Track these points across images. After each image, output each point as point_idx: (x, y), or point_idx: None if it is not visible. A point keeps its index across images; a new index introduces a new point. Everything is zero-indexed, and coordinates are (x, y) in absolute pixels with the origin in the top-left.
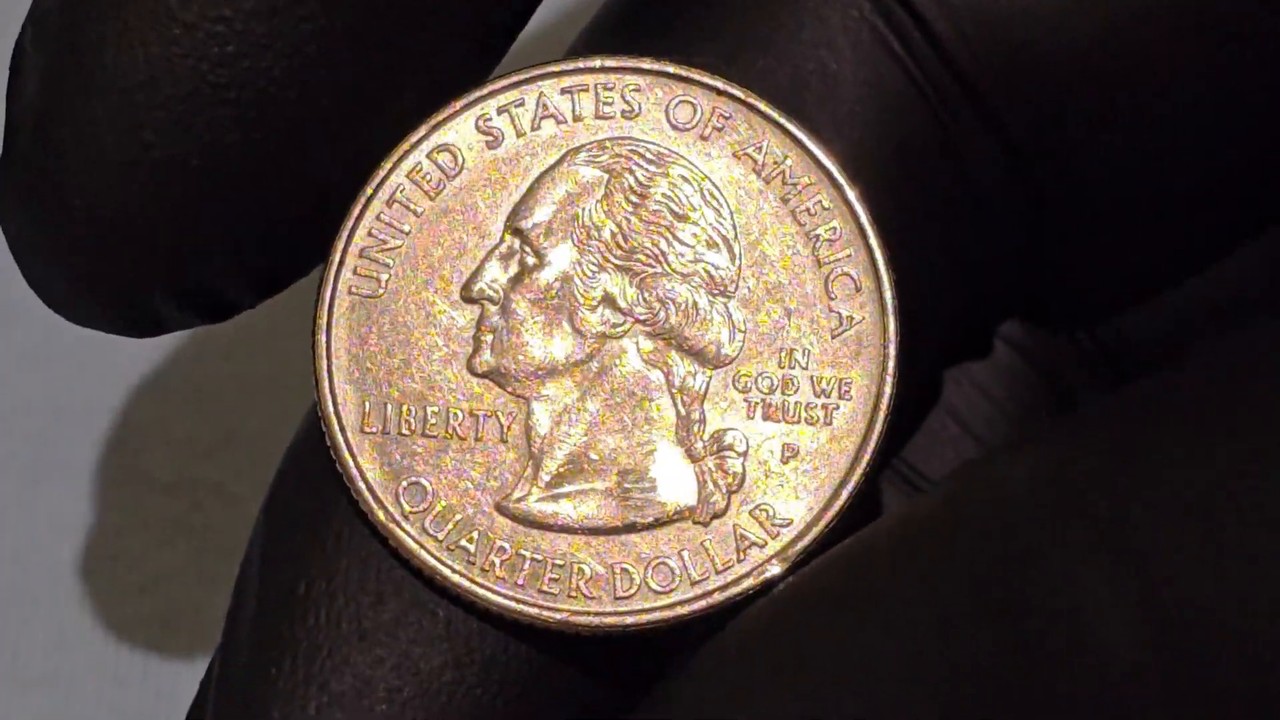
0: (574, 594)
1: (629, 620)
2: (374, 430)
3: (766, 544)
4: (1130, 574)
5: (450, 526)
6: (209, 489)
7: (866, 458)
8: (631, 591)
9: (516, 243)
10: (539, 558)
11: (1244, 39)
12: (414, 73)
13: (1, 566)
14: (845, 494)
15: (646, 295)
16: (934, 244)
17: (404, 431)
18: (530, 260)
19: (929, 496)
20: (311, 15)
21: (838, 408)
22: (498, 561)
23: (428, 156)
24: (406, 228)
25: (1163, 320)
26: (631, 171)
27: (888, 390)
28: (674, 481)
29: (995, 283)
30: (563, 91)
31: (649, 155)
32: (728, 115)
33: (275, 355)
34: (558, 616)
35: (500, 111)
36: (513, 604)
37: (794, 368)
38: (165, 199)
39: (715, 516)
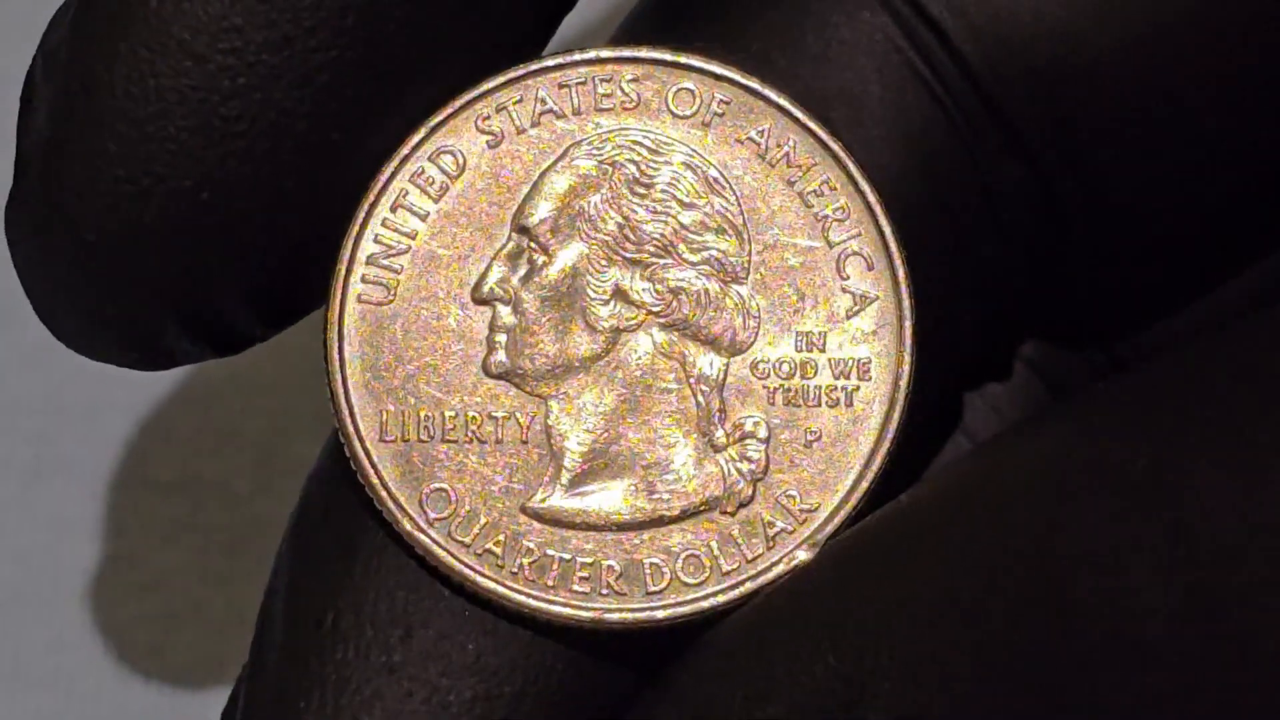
0: (604, 591)
1: (660, 615)
2: (393, 439)
3: (795, 530)
4: (1163, 523)
5: (476, 530)
6: (210, 489)
7: (889, 438)
8: (662, 586)
9: (524, 241)
10: (567, 557)
11: (1266, 51)
12: (426, 101)
13: (2, 566)
14: (870, 476)
15: (657, 286)
16: (959, 263)
17: (423, 438)
18: (539, 258)
19: (957, 467)
20: (323, 46)
21: (858, 389)
22: (526, 563)
23: (430, 159)
24: (413, 232)
25: (1178, 335)
26: (634, 163)
27: (907, 367)
28: (698, 472)
29: (1017, 301)
30: (560, 86)
31: (651, 145)
32: (728, 100)
33: (277, 355)
34: (589, 615)
35: (499, 110)
36: (544, 605)
37: (811, 350)
38: (176, 232)
39: (742, 505)
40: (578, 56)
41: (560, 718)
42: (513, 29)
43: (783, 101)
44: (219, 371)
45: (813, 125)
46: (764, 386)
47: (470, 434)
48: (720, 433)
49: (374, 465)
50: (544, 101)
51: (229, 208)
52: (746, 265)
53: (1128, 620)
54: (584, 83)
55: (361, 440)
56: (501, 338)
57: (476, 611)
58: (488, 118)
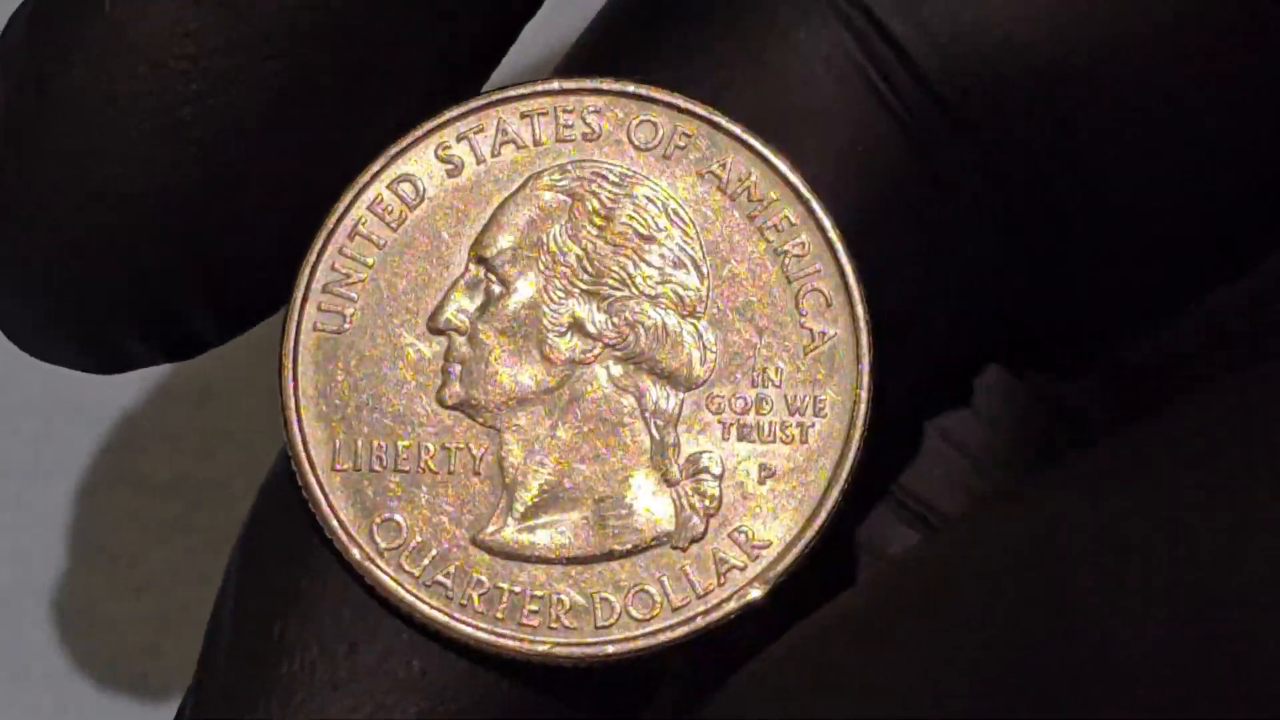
0: (554, 625)
1: (610, 649)
2: (345, 467)
3: (746, 567)
4: (1168, 610)
5: (426, 562)
6: (207, 489)
7: (844, 475)
8: (612, 620)
9: (481, 271)
10: (517, 590)
11: (1265, 51)
12: (384, 108)
13: (1, 566)
14: (824, 513)
15: (615, 319)
16: (922, 284)
17: (375, 468)
18: (496, 289)
19: (957, 526)
20: (279, 52)
21: (813, 425)
22: (475, 595)
23: (388, 187)
24: (370, 260)
25: (1178, 339)
26: (595, 194)
27: (863, 406)
28: (651, 507)
29: (981, 315)
30: (522, 116)
31: (612, 177)
32: (689, 133)
33: (270, 356)
34: (539, 649)
35: (459, 139)
36: (493, 638)
37: (767, 386)
38: (129, 235)
39: (694, 541)
40: (540, 87)
41: None
42: (473, 39)
43: (746, 136)
44: (215, 373)
45: (775, 160)
46: (719, 421)
47: (423, 465)
48: (674, 467)
49: (325, 493)
50: (505, 131)
51: (185, 211)
52: (705, 300)
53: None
54: (546, 113)
55: (313, 468)
56: (456, 368)
57: None
58: (448, 146)
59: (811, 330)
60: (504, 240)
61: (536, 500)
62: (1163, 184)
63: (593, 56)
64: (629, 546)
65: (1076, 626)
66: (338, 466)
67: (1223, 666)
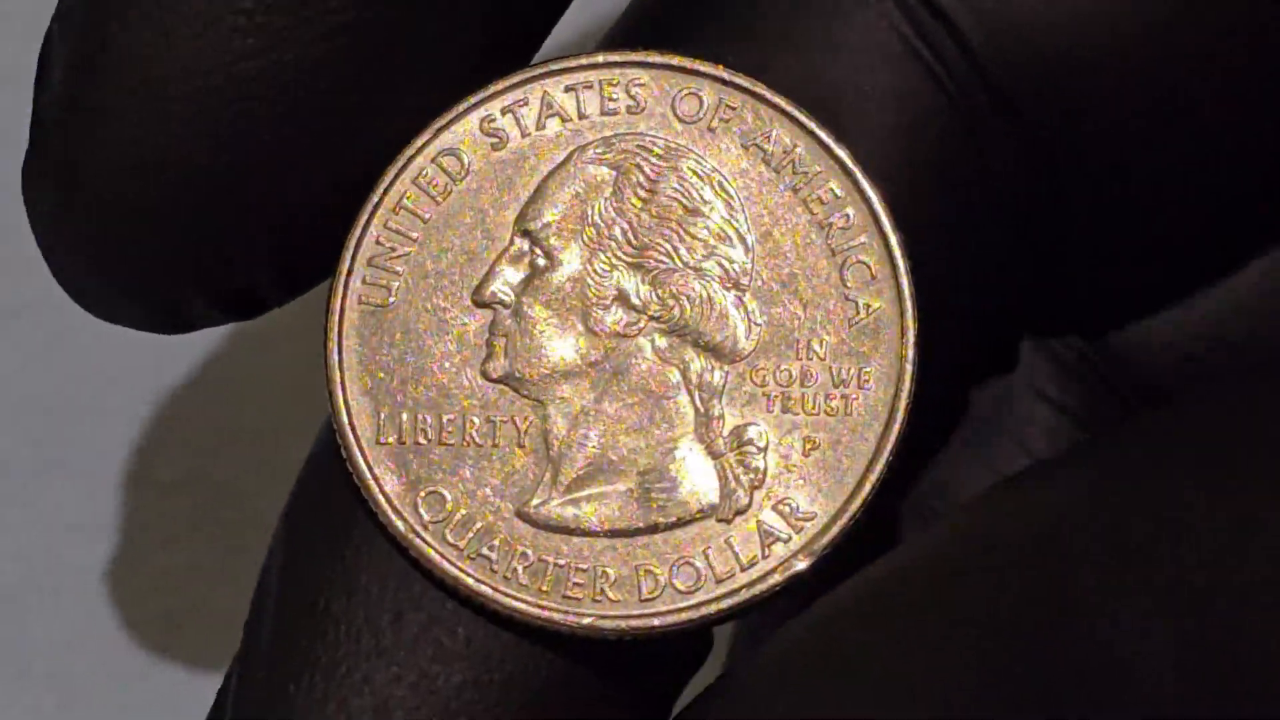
0: (598, 598)
1: (655, 622)
2: (390, 441)
3: (791, 539)
4: (1169, 607)
5: (471, 535)
6: (213, 488)
7: (889, 447)
8: (656, 593)
9: (526, 245)
10: (562, 563)
11: (1274, 48)
12: (443, 66)
13: (3, 566)
14: (869, 485)
15: (660, 292)
16: (963, 252)
17: (420, 441)
18: (541, 262)
19: (963, 517)
20: (339, 8)
21: (857, 398)
22: (520, 568)
23: (433, 161)
24: (414, 234)
25: (1159, 335)
26: (640, 168)
27: (908, 378)
28: (695, 480)
29: (1022, 288)
30: (566, 89)
31: (657, 150)
32: (734, 106)
33: (280, 353)
34: (584, 621)
35: (504, 112)
36: (538, 610)
37: (811, 359)
38: (192, 193)
39: (738, 513)
40: (584, 60)
41: (550, 706)
42: (521, 6)
43: (790, 108)
44: (221, 371)
45: (820, 132)
46: (763, 394)
47: (467, 438)
48: (719, 440)
49: (370, 467)
50: (550, 104)
51: (245, 169)
52: (750, 272)
53: (1138, 703)
54: (590, 86)
55: (358, 442)
56: (501, 342)
57: None
58: (493, 120)
59: (856, 303)
60: (549, 213)
61: (581, 473)
62: (1167, 177)
63: (633, 36)
64: (673, 519)
65: (1080, 626)
66: (382, 440)
67: (1224, 666)
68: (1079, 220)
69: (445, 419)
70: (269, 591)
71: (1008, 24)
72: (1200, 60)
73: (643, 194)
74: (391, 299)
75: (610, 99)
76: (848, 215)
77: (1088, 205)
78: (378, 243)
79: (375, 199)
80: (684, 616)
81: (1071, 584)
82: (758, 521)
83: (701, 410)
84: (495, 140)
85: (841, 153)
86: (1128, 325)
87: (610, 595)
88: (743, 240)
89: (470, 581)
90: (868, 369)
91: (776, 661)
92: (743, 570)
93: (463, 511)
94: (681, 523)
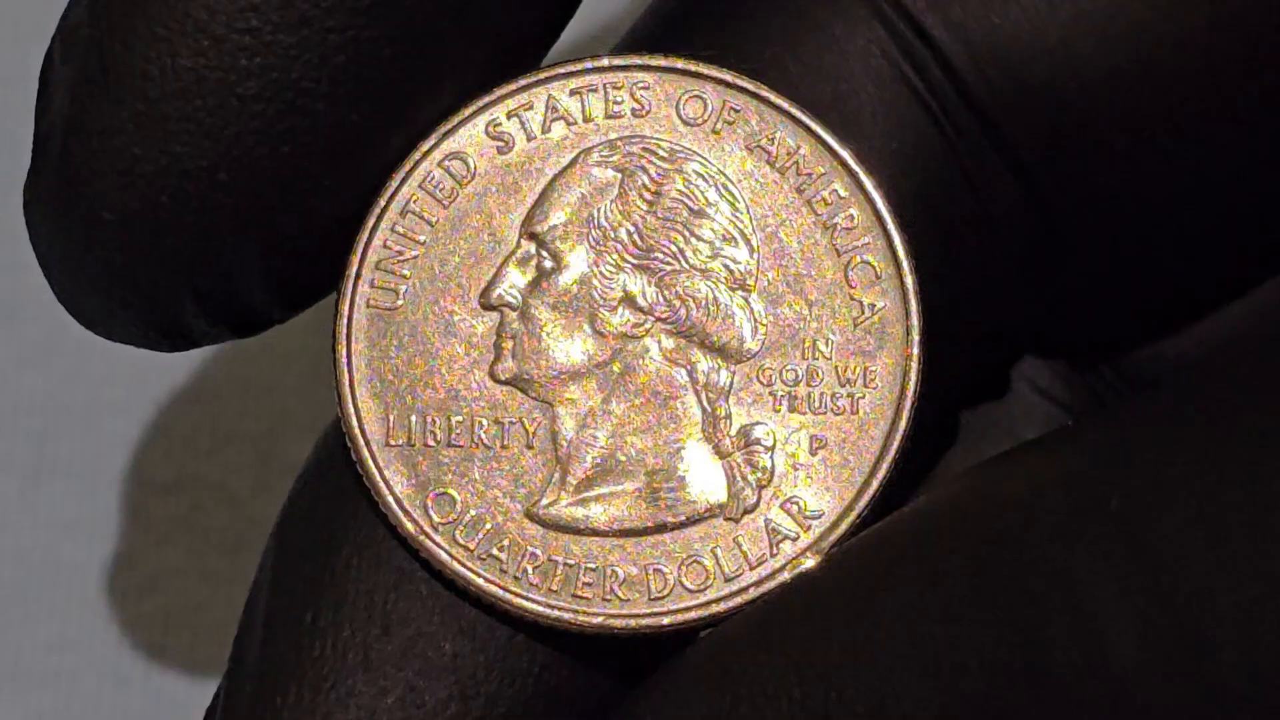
0: (608, 597)
1: (665, 620)
2: (399, 443)
3: (799, 537)
4: (1135, 567)
5: (481, 536)
6: (209, 489)
7: (895, 445)
8: (666, 592)
9: (533, 247)
10: (572, 563)
11: (1266, 74)
12: (443, 84)
13: (2, 566)
14: (875, 483)
15: (666, 293)
16: (953, 277)
17: (429, 443)
18: (548, 264)
19: (940, 491)
20: (340, 27)
21: (863, 396)
22: (530, 569)
23: (439, 165)
24: (421, 238)
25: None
26: (645, 170)
27: (913, 376)
28: (703, 479)
29: (1013, 316)
30: (571, 93)
31: (661, 152)
32: (738, 108)
33: (276, 355)
34: (594, 620)
35: (510, 116)
36: (548, 610)
37: (817, 358)
38: (194, 211)
39: (746, 512)
40: (589, 64)
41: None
42: (530, 16)
43: (793, 109)
44: (218, 372)
45: (823, 133)
46: (770, 393)
47: (476, 439)
48: (726, 439)
49: (379, 469)
50: (555, 108)
51: (247, 187)
52: (755, 273)
53: (1099, 665)
54: (595, 90)
55: (368, 444)
56: (509, 344)
57: (454, 611)
58: (499, 123)
59: (861, 302)
60: (555, 216)
61: (590, 473)
62: (1164, 206)
63: (638, 51)
64: (682, 518)
65: (1055, 596)
66: (391, 442)
67: (1185, 642)
68: (1071, 248)
69: (454, 421)
70: (258, 605)
71: (995, 52)
72: (1189, 91)
73: (648, 196)
74: (399, 302)
75: (615, 102)
76: (852, 215)
77: (1078, 234)
78: (385, 246)
79: (382, 203)
80: (694, 615)
81: (1045, 554)
82: (766, 520)
83: (708, 410)
84: (501, 144)
85: (845, 153)
86: (1128, 346)
87: (620, 594)
88: (748, 241)
89: (480, 582)
90: (874, 368)
91: (711, 650)
92: (751, 569)
93: (472, 512)
94: (690, 522)
